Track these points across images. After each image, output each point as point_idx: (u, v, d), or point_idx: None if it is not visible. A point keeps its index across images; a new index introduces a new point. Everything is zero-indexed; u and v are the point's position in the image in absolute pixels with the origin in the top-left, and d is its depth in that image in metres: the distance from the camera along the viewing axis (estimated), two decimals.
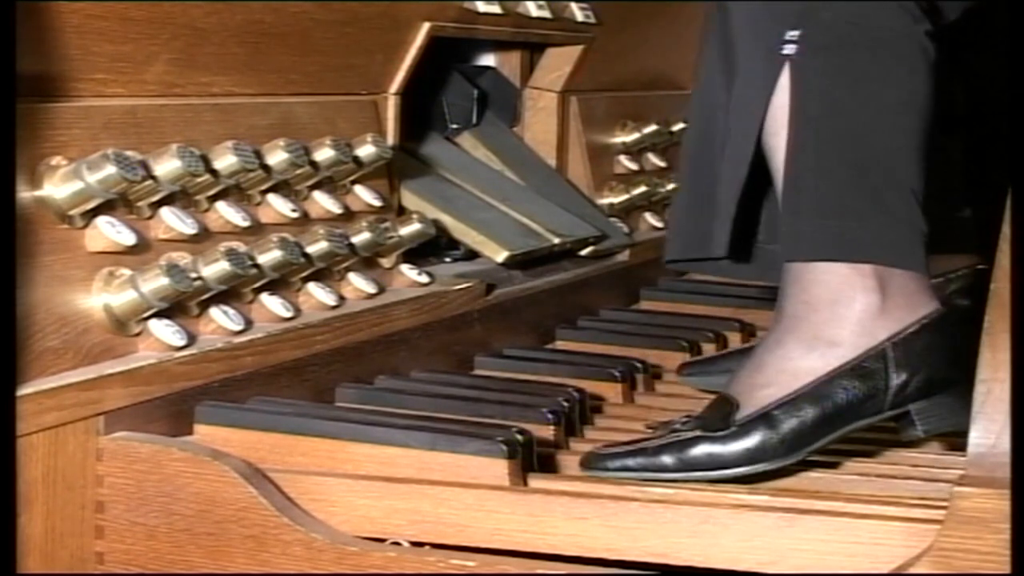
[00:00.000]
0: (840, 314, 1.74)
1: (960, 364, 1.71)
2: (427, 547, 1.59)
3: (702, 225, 1.91)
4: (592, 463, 1.74)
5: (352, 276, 2.05)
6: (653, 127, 2.89)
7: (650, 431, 1.84)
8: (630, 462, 1.72)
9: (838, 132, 1.78)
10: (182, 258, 1.75)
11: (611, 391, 2.14)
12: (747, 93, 1.85)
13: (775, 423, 1.72)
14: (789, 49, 1.81)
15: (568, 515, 1.59)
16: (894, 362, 1.73)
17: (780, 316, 1.78)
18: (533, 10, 2.56)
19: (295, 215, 1.94)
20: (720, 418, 1.75)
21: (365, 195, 2.11)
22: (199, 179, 1.77)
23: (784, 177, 1.82)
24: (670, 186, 2.89)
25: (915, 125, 1.79)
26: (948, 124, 2.10)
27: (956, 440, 1.83)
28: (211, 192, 1.83)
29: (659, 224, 2.87)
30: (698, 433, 1.74)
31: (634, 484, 1.67)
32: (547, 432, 1.84)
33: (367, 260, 2.08)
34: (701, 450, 1.72)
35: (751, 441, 1.72)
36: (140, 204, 1.74)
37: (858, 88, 1.79)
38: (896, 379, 1.73)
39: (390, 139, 2.20)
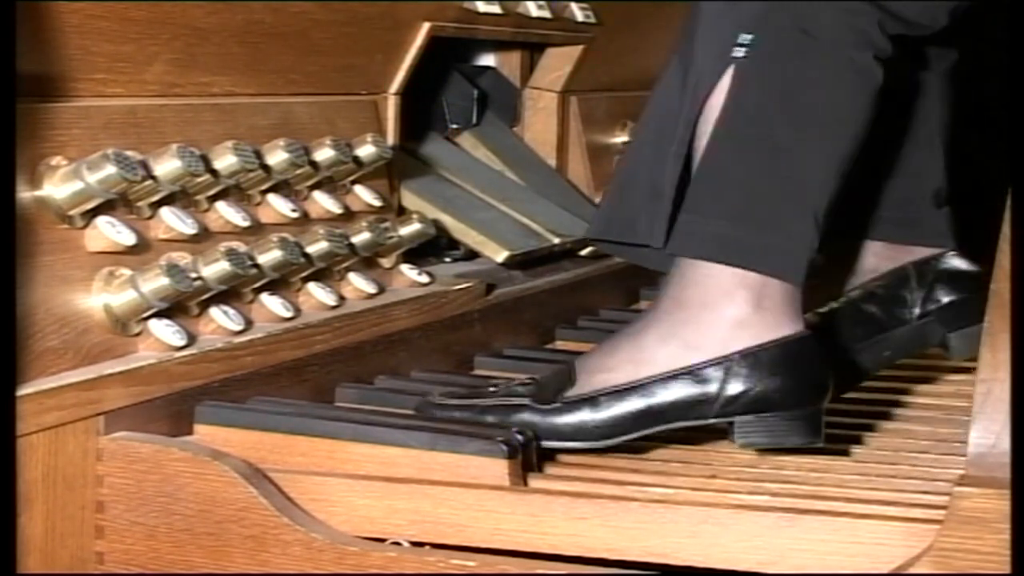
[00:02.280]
0: (706, 320, 1.76)
1: (800, 392, 1.75)
2: (427, 547, 1.59)
3: (633, 211, 1.92)
4: (423, 408, 1.83)
5: (352, 276, 2.05)
6: None
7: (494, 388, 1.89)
8: (456, 414, 1.80)
9: (756, 140, 1.79)
10: (182, 258, 1.75)
11: None
12: (695, 89, 1.86)
13: (598, 407, 1.76)
14: (738, 52, 1.82)
15: (568, 515, 1.59)
16: (734, 373, 1.74)
17: (651, 308, 1.82)
18: (533, 10, 2.56)
19: (295, 215, 1.94)
20: (553, 391, 1.80)
21: (365, 195, 2.11)
22: (199, 179, 1.77)
23: (695, 172, 1.83)
24: None
25: (837, 148, 1.79)
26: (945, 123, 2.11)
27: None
28: (211, 192, 1.83)
29: None
30: (526, 402, 1.79)
31: (634, 484, 1.67)
32: None
33: (367, 260, 2.08)
34: (523, 417, 1.78)
35: (571, 419, 1.77)
36: (140, 204, 1.74)
37: (788, 101, 1.79)
38: (729, 390, 1.74)
39: (390, 139, 2.20)
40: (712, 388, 1.74)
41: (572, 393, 1.79)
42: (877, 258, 2.11)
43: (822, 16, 1.80)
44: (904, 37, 1.85)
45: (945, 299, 2.07)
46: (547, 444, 1.76)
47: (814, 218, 1.77)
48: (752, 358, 1.74)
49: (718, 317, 1.75)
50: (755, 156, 1.79)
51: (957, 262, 2.09)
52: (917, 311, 2.07)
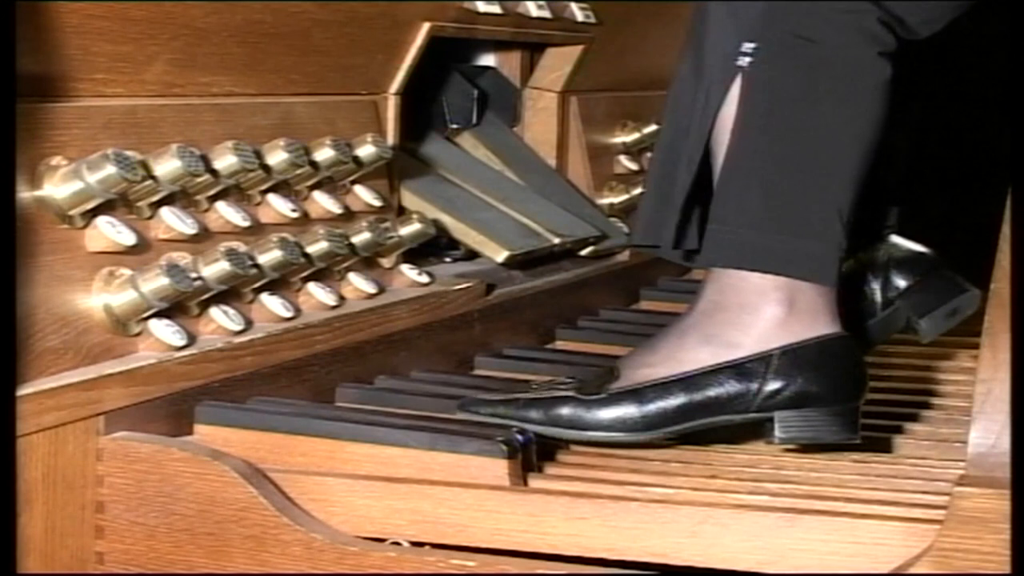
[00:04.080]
0: (744, 320, 1.81)
1: (839, 388, 1.80)
2: (427, 547, 1.59)
3: (663, 216, 1.96)
4: (467, 405, 1.85)
5: (352, 276, 2.05)
6: (653, 127, 2.89)
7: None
8: (500, 409, 1.83)
9: (773, 146, 1.83)
10: (182, 258, 1.75)
11: None
12: (707, 99, 1.89)
13: (643, 400, 1.80)
14: (743, 61, 1.86)
15: (568, 515, 1.59)
16: (775, 369, 1.79)
17: (689, 311, 1.86)
18: (533, 10, 2.56)
19: (295, 215, 1.94)
20: (597, 384, 1.83)
21: (365, 195, 2.11)
22: (199, 179, 1.77)
23: (716, 184, 1.87)
24: None
25: (854, 146, 1.83)
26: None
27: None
28: (211, 192, 1.83)
29: None
30: (571, 393, 1.83)
31: (634, 484, 1.67)
32: None
33: (367, 260, 2.08)
34: (567, 410, 1.81)
35: (615, 412, 1.81)
36: (140, 204, 1.74)
37: (798, 106, 1.83)
38: (771, 384, 1.79)
39: (390, 139, 2.20)
40: (753, 383, 1.79)
41: (616, 386, 1.82)
42: None
43: (820, 20, 1.82)
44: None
45: (903, 283, 2.07)
46: (589, 436, 1.80)
47: (839, 218, 1.81)
48: (792, 354, 1.79)
49: (757, 318, 1.80)
50: (772, 163, 1.83)
51: (905, 244, 2.09)
52: (879, 301, 2.07)
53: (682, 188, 1.90)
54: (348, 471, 1.66)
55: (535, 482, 1.68)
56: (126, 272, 1.69)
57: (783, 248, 1.81)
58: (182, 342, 1.72)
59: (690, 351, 1.82)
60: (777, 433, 1.79)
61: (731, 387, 1.79)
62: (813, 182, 1.82)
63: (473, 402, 1.86)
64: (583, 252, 2.58)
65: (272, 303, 1.88)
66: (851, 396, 1.81)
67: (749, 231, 1.82)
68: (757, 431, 1.84)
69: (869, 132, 1.83)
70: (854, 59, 1.83)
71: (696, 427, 1.81)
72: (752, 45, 1.85)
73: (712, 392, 1.80)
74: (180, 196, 1.79)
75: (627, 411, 1.80)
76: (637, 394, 1.81)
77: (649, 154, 2.94)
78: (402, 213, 2.21)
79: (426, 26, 2.26)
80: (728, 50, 1.87)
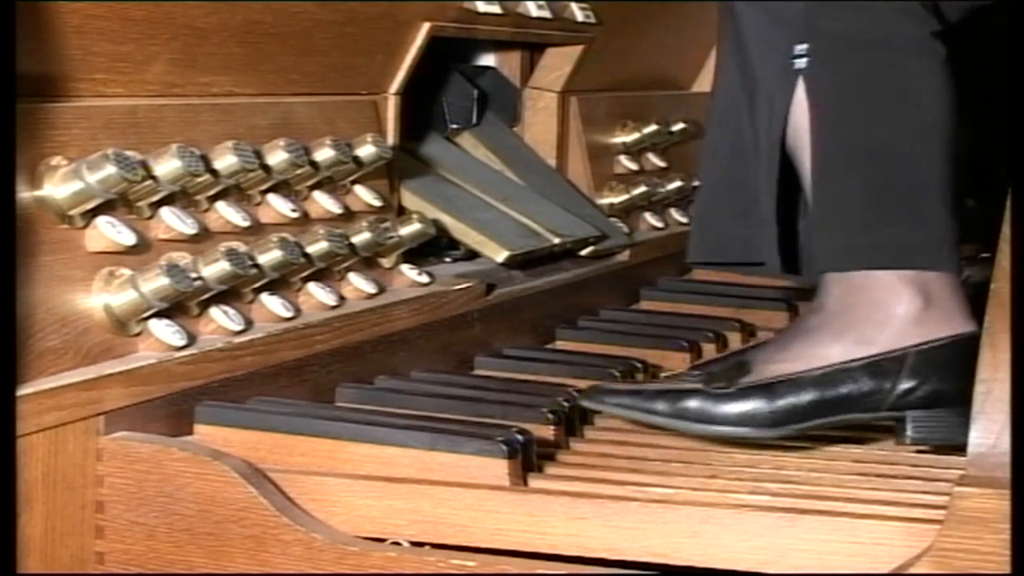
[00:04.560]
0: (878, 317, 1.78)
1: (972, 389, 1.74)
2: (427, 547, 1.59)
3: (741, 229, 1.95)
4: (592, 395, 1.84)
5: (352, 276, 2.05)
6: (653, 127, 2.89)
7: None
8: (626, 400, 1.81)
9: (858, 141, 1.81)
10: (182, 258, 1.75)
11: None
12: (767, 109, 1.88)
13: (773, 395, 1.77)
14: (800, 63, 1.84)
15: (568, 515, 1.59)
16: (909, 368, 1.76)
17: (819, 310, 1.83)
18: (533, 10, 2.56)
19: (295, 215, 1.94)
20: (727, 378, 1.81)
21: (365, 195, 2.11)
22: (199, 179, 1.77)
23: (813, 191, 1.85)
24: (670, 186, 2.89)
25: (934, 127, 1.80)
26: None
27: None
28: (211, 192, 1.83)
29: (659, 224, 2.87)
30: (698, 386, 1.80)
31: (634, 484, 1.67)
32: (547, 432, 1.84)
33: (367, 260, 2.08)
34: (694, 403, 1.78)
35: (744, 406, 1.77)
36: (140, 204, 1.74)
37: (871, 96, 1.80)
38: (904, 384, 1.76)
39: (390, 139, 2.20)
40: (887, 381, 1.76)
41: (747, 380, 1.79)
42: None
43: (865, 8, 1.80)
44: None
45: None
46: (716, 431, 1.78)
47: (943, 203, 1.78)
48: (927, 354, 1.76)
49: (890, 315, 1.77)
50: (862, 158, 1.80)
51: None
52: None
53: (769, 205, 1.88)
54: (348, 471, 1.66)
55: (535, 482, 1.68)
56: (126, 272, 1.69)
57: (896, 242, 1.78)
58: (182, 342, 1.72)
59: (823, 347, 1.79)
60: (909, 433, 1.77)
61: (864, 384, 1.76)
62: (907, 169, 1.79)
63: (599, 391, 1.84)
64: (583, 252, 2.58)
65: (272, 303, 1.88)
66: None
67: (857, 231, 1.79)
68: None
69: (945, 111, 1.81)
70: (910, 41, 1.80)
71: (826, 424, 1.79)
72: (804, 46, 1.83)
73: (845, 389, 1.77)
74: (180, 196, 1.79)
75: (756, 406, 1.77)
76: (768, 389, 1.78)
77: (650, 154, 2.94)
78: (402, 213, 2.21)
79: (426, 26, 2.26)
80: (779, 54, 1.85)
